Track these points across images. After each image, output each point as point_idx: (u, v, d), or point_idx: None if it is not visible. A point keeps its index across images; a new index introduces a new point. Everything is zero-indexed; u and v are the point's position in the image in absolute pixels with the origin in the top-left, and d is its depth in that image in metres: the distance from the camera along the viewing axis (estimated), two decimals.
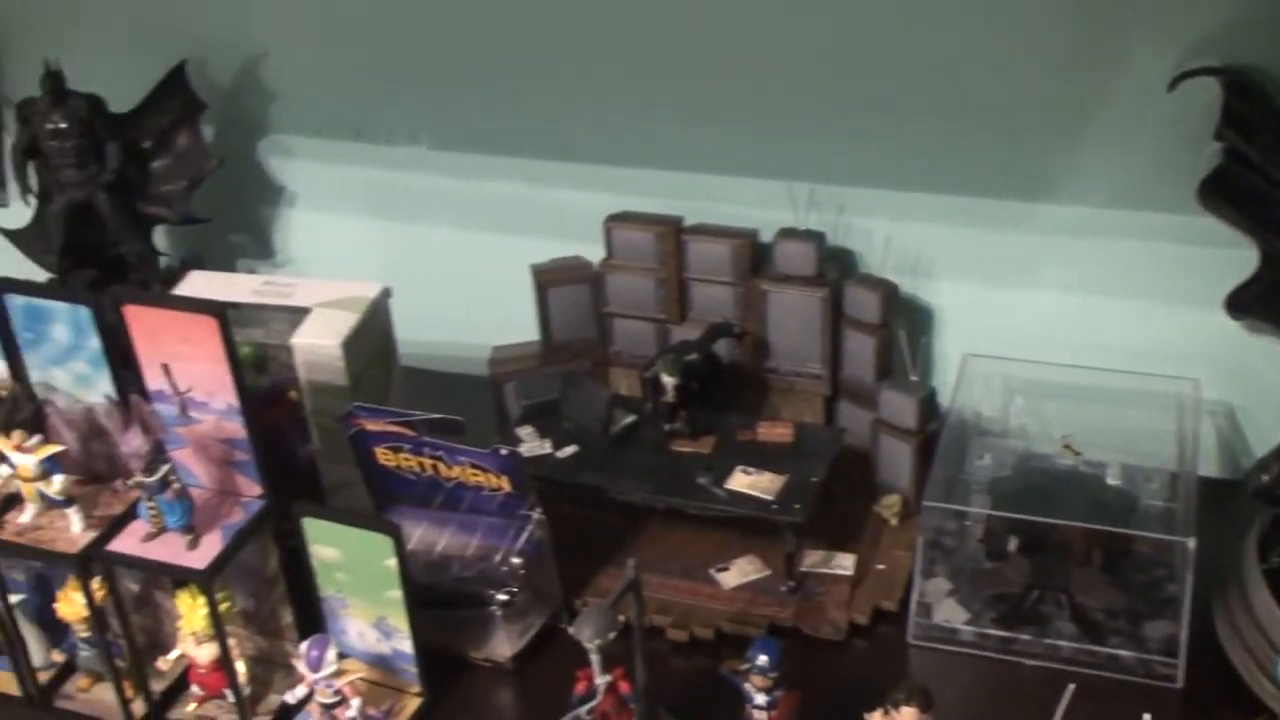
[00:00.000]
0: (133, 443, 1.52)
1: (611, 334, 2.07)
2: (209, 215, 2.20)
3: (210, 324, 1.53)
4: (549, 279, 2.03)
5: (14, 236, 2.21)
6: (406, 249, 2.24)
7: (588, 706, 1.54)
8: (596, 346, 2.08)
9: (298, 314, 1.84)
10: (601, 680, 1.53)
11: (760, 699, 1.53)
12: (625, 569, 1.56)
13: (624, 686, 1.54)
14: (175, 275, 2.15)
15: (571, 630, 1.51)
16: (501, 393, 2.07)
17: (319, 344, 1.79)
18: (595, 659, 1.52)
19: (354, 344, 1.80)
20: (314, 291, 1.87)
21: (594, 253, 2.06)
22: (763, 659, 1.52)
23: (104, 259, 2.17)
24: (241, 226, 2.34)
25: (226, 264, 2.34)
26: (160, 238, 2.24)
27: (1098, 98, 1.79)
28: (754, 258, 1.95)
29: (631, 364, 2.07)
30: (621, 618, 1.52)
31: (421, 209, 2.20)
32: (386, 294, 1.89)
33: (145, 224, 2.17)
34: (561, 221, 2.11)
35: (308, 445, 1.87)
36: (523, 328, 2.11)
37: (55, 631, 1.79)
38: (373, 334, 1.86)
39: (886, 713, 1.47)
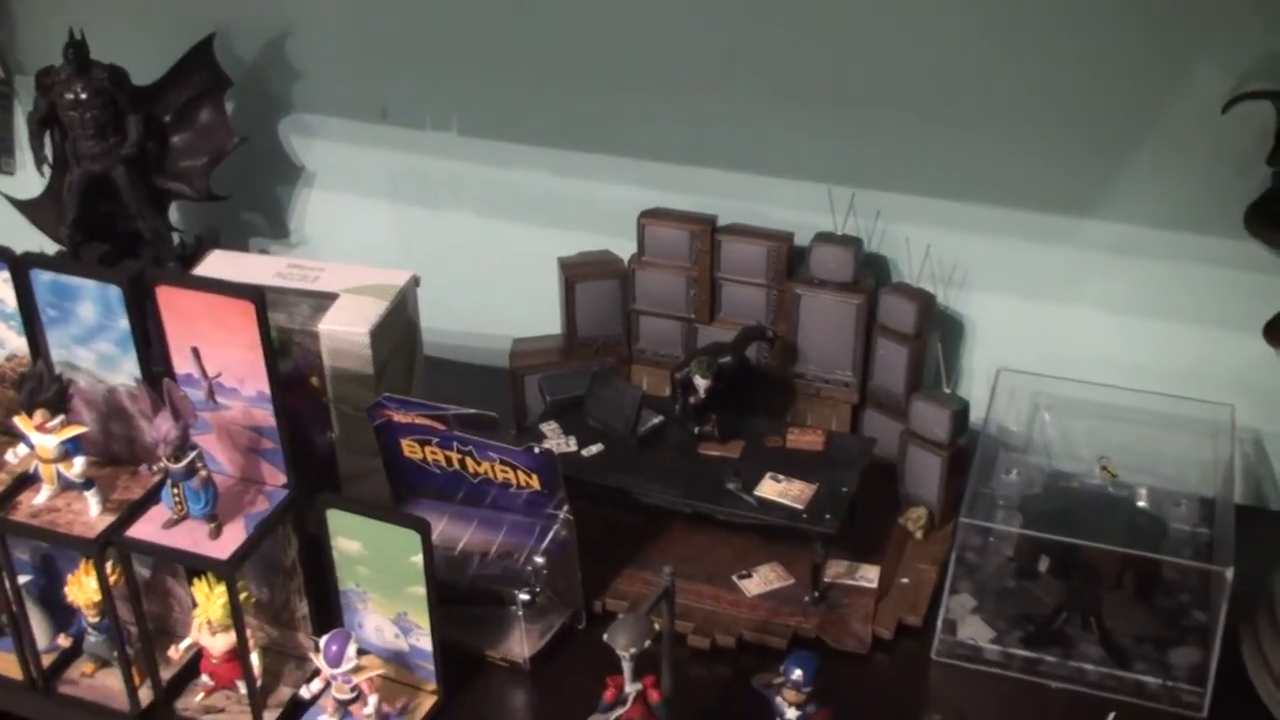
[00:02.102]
0: (162, 427, 1.48)
1: (637, 331, 2.03)
2: (227, 193, 2.15)
3: (247, 309, 1.49)
4: (577, 273, 1.99)
5: (24, 207, 2.16)
6: (428, 235, 2.20)
7: (616, 714, 1.51)
8: (621, 343, 2.05)
9: (323, 299, 1.80)
10: (632, 688, 1.50)
11: (792, 714, 1.51)
12: (660, 575, 1.54)
13: (654, 695, 1.51)
14: (192, 253, 2.11)
15: (605, 637, 1.47)
16: (521, 386, 2.03)
17: (346, 331, 1.75)
18: (627, 666, 1.48)
19: (381, 332, 1.76)
20: (341, 276, 1.83)
21: (621, 247, 2.03)
22: (798, 673, 1.49)
23: (118, 233, 2.12)
24: (257, 205, 2.29)
25: (239, 243, 2.30)
26: (173, 213, 2.19)
27: (1150, 116, 1.77)
28: (789, 261, 1.92)
29: (656, 362, 2.04)
30: (657, 625, 1.49)
31: (446, 195, 2.16)
32: (415, 282, 1.85)
33: (162, 199, 2.13)
34: (590, 215, 2.08)
35: (326, 433, 1.83)
36: (545, 321, 2.07)
37: (59, 615, 1.75)
38: (399, 322, 1.82)
39: None
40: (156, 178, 2.10)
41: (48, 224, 2.13)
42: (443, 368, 2.08)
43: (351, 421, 1.80)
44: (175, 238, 2.15)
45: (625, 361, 2.05)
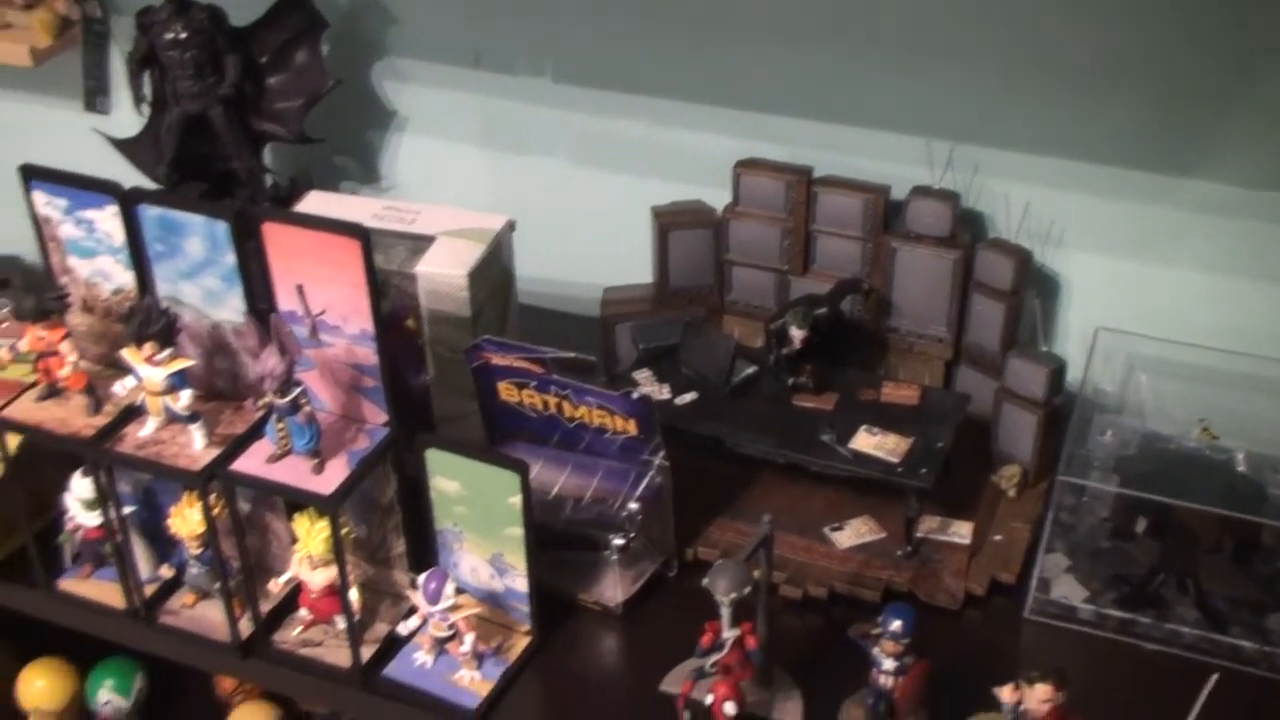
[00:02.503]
0: (268, 363, 1.49)
1: (729, 282, 2.02)
2: (321, 135, 2.16)
3: (353, 246, 1.50)
4: (670, 222, 1.99)
5: (122, 145, 2.17)
6: (520, 182, 2.19)
7: (713, 659, 1.52)
8: (712, 293, 2.04)
9: (419, 241, 1.81)
10: (730, 634, 1.50)
11: (889, 664, 1.51)
12: (754, 524, 1.54)
13: (751, 641, 1.51)
14: (285, 194, 2.12)
15: (705, 582, 1.48)
16: (612, 334, 2.03)
17: (445, 273, 1.75)
18: (726, 612, 1.49)
19: (478, 276, 1.77)
20: (437, 219, 1.84)
21: (713, 197, 2.01)
22: (897, 624, 1.49)
23: (213, 173, 2.13)
24: (348, 149, 2.30)
25: (331, 186, 2.30)
26: (265, 155, 2.20)
27: (1256, 74, 1.74)
28: (885, 214, 1.91)
29: (747, 313, 2.03)
30: (756, 574, 1.49)
31: (538, 142, 2.16)
32: (510, 227, 1.86)
33: (258, 140, 2.14)
34: (683, 164, 2.06)
35: (421, 375, 1.84)
36: (634, 271, 2.07)
37: (159, 546, 1.77)
38: (495, 267, 1.83)
39: (1018, 687, 1.44)
40: (252, 118, 2.11)
41: (145, 163, 2.14)
42: (532, 314, 2.07)
43: (447, 364, 1.81)
44: (267, 179, 2.16)
45: (716, 312, 2.05)
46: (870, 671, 1.52)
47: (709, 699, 1.53)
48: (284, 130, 2.12)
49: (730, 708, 1.51)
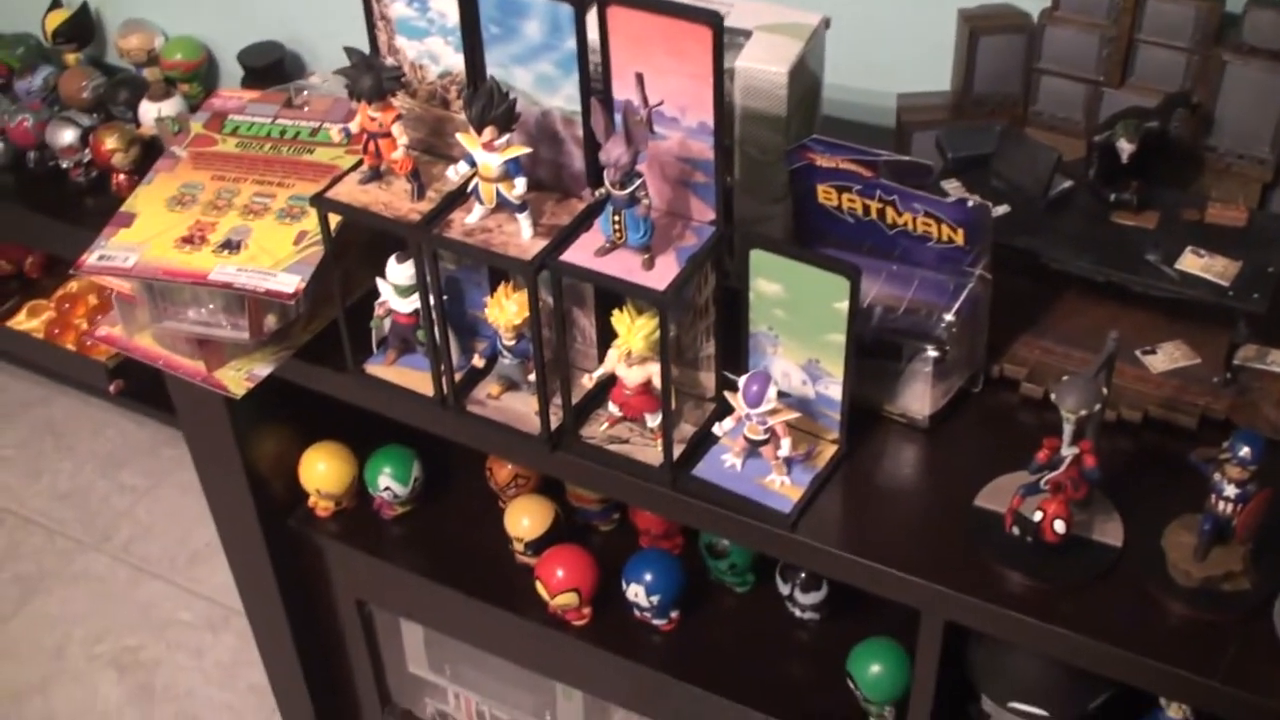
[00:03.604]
0: (613, 152, 1.46)
1: (1036, 92, 1.94)
2: None
3: (704, 34, 1.45)
4: (981, 25, 1.90)
5: None
6: None
7: (1046, 476, 1.49)
8: (1016, 104, 1.95)
9: (734, 35, 1.74)
10: (1069, 451, 1.47)
11: (1231, 491, 1.46)
12: (1107, 341, 1.50)
13: (1089, 460, 1.48)
14: None
15: (1053, 397, 1.44)
16: (909, 142, 1.97)
17: (764, 70, 1.70)
18: (1068, 429, 1.45)
19: (796, 74, 1.71)
20: (751, 14, 1.77)
21: (1021, 4, 1.92)
22: (1245, 450, 1.44)
23: None
24: None
25: None
26: None
27: None
28: (1220, 24, 1.80)
29: (1052, 126, 1.94)
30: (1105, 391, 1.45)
31: None
32: (825, 24, 1.79)
33: None
34: None
35: (726, 176, 1.80)
36: (922, 78, 1.99)
37: (462, 336, 1.77)
38: (808, 68, 1.76)
39: None
40: None
41: None
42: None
43: (755, 165, 1.77)
44: None
45: (1019, 123, 1.96)
46: (1209, 497, 1.48)
47: (1037, 516, 1.51)
48: None
49: (1060, 526, 1.49)
